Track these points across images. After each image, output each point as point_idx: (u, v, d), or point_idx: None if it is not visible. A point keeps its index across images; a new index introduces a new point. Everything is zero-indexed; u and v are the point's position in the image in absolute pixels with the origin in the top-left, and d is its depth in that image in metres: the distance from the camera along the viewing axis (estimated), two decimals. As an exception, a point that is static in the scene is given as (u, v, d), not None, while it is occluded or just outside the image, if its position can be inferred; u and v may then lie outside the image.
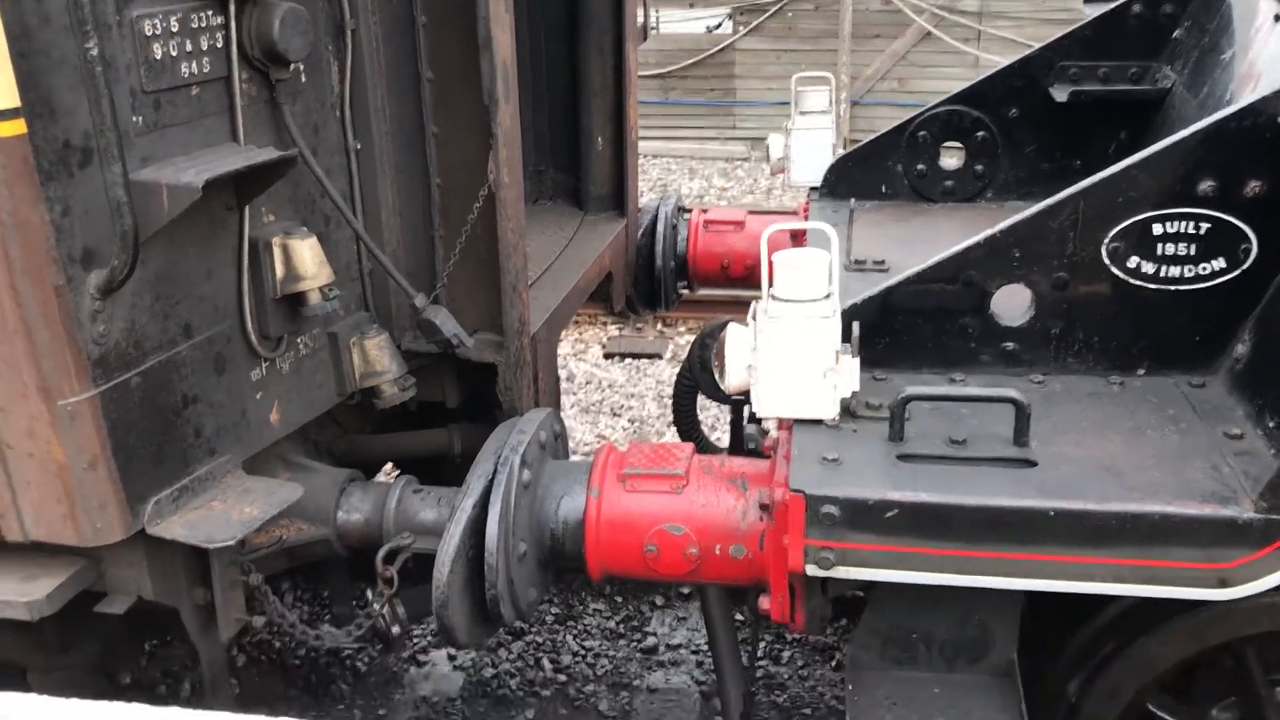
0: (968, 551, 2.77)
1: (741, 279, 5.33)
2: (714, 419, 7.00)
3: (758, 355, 3.02)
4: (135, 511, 2.84)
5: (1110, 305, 3.22)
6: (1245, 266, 3.08)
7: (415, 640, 5.34)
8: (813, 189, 5.20)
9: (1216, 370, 3.24)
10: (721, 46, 15.63)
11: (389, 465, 4.98)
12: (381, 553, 3.28)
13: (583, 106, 4.97)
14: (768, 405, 3.06)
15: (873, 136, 5.15)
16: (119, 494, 2.79)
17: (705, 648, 5.28)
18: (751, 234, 5.31)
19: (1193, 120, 4.12)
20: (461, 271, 3.60)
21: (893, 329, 3.35)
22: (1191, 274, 3.15)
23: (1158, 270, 3.16)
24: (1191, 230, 3.11)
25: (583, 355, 8.48)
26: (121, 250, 2.60)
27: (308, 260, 3.11)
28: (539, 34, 4.95)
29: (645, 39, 5.70)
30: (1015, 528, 2.73)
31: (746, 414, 3.68)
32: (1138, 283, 3.18)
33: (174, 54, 2.80)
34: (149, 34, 2.72)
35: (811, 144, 5.18)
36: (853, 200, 4.84)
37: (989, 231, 3.23)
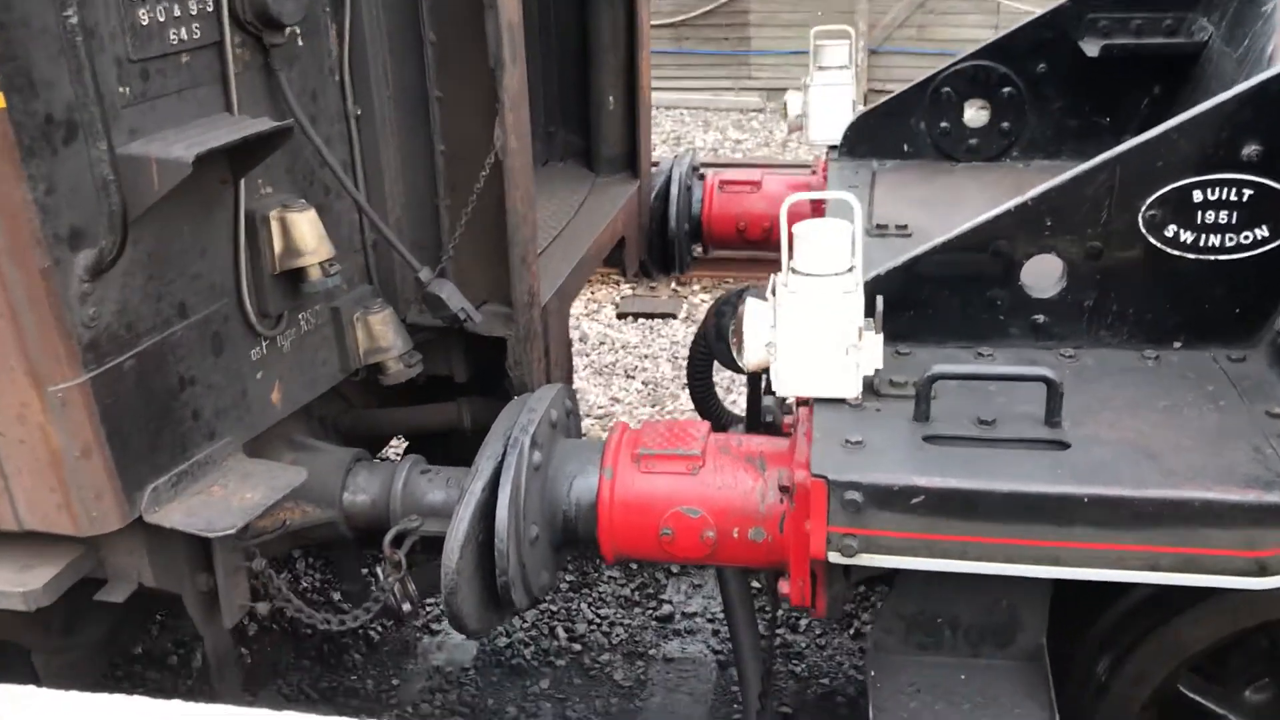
0: (997, 539, 2.65)
1: (758, 242, 5.19)
2: (729, 380, 6.88)
3: (777, 332, 2.89)
4: (132, 499, 2.74)
5: (1146, 276, 3.08)
6: (1290, 235, 2.94)
7: (428, 610, 5.27)
8: (831, 147, 5.04)
9: (1257, 344, 3.09)
10: (736, -7, 15.34)
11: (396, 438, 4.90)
12: (389, 536, 3.19)
13: (593, 64, 4.80)
14: (788, 384, 2.93)
15: (894, 93, 4.98)
16: (114, 482, 2.69)
17: (721, 616, 5.21)
18: (768, 194, 5.16)
19: (1231, 76, 3.97)
20: (468, 242, 3.47)
21: (917, 301, 3.22)
22: (1233, 243, 3.00)
23: (1197, 239, 3.01)
24: (1234, 197, 2.95)
25: (595, 315, 8.34)
26: (110, 230, 2.48)
27: (307, 234, 2.98)
28: (547, -12, 4.79)
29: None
30: (1047, 514, 2.61)
31: (764, 384, 3.57)
32: (1176, 252, 3.03)
33: (161, 19, 2.66)
34: None
35: (830, 101, 5.01)
36: (874, 161, 4.68)
37: (1019, 199, 3.08)
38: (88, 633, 3.50)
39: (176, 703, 2.79)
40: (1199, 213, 2.98)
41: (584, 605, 5.45)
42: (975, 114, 4.83)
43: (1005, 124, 4.80)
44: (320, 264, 3.01)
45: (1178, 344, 3.15)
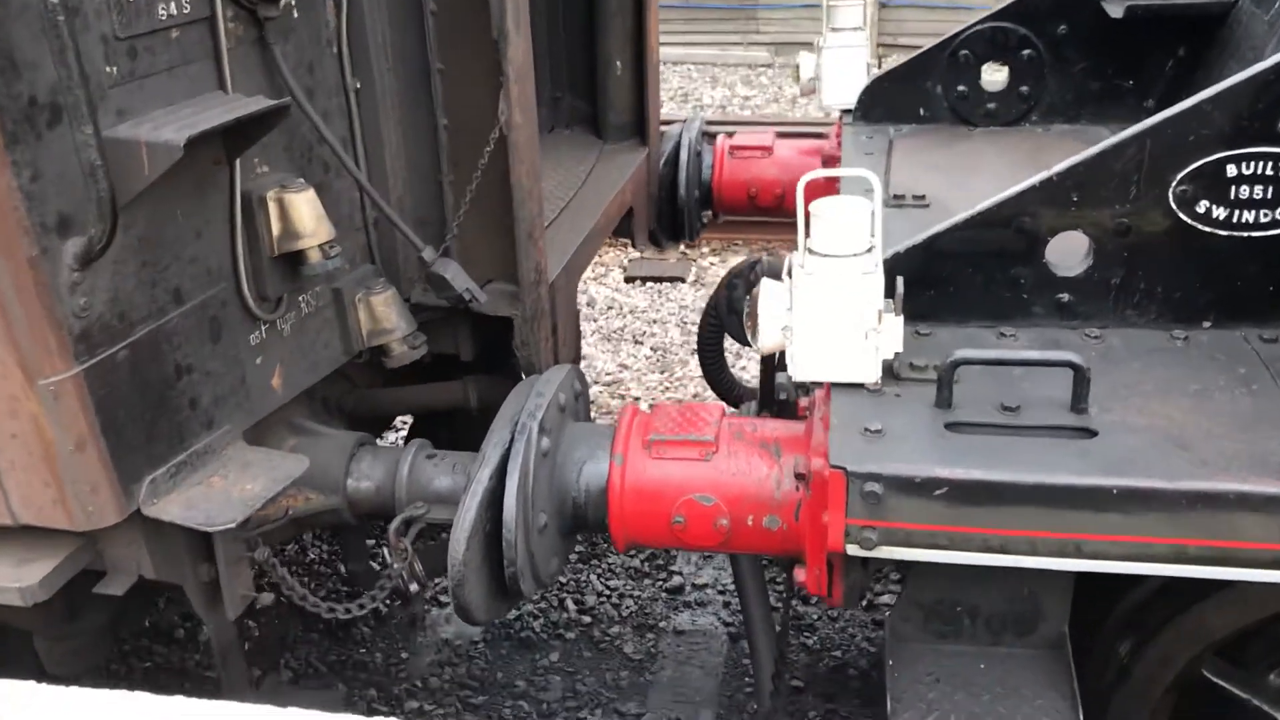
0: (1022, 531, 2.56)
1: (770, 208, 5.06)
2: (739, 345, 6.78)
3: (793, 315, 2.79)
4: (129, 492, 2.66)
5: (1176, 253, 2.97)
6: (1328, 211, 2.83)
7: (436, 583, 5.23)
8: (845, 111, 4.90)
9: (1290, 323, 2.99)
10: (744, -56, 15.07)
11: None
12: (395, 524, 3.11)
13: (600, 28, 4.66)
14: (805, 369, 2.83)
15: (905, 47, 4.83)
16: (110, 475, 2.61)
17: (732, 587, 5.15)
18: (780, 160, 5.03)
19: (1262, 38, 3.82)
20: (472, 219, 3.36)
21: (937, 279, 3.10)
22: (1267, 219, 2.89)
23: (1230, 215, 2.90)
24: (1270, 171, 2.83)
25: (603, 279, 8.24)
26: (99, 217, 2.38)
27: (305, 216, 2.87)
28: (552, -51, 4.64)
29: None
30: (1075, 506, 2.52)
31: (777, 359, 3.48)
32: (1207, 229, 2.92)
33: None
34: None
35: (844, 64, 4.86)
36: (890, 127, 4.55)
37: (1044, 174, 2.96)
38: (90, 618, 3.44)
39: (179, 699, 2.74)
40: (1232, 188, 2.87)
41: (593, 577, 5.40)
42: (994, 77, 4.68)
43: (1024, 87, 4.66)
44: (320, 246, 2.91)
45: (1207, 323, 3.04)
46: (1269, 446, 2.56)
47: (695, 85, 14.06)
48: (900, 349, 2.84)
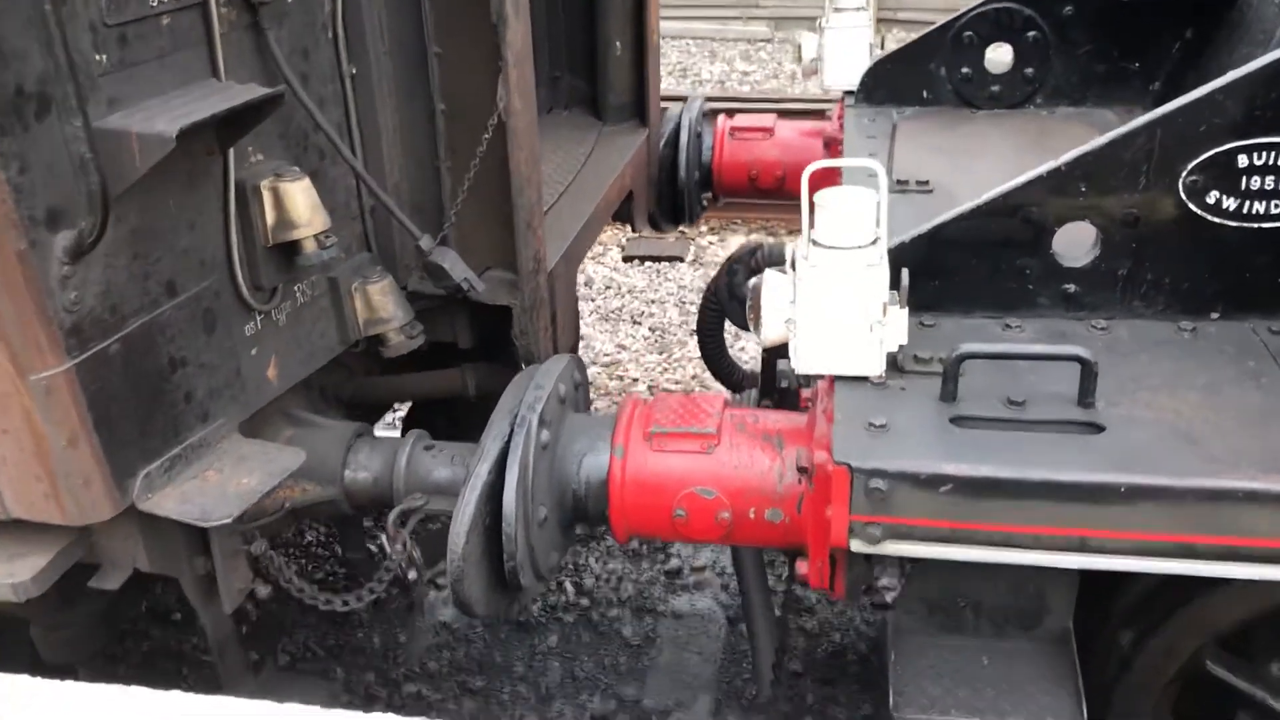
0: (1029, 527, 2.53)
1: (771, 191, 5.01)
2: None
3: (796, 308, 2.75)
4: (123, 487, 2.63)
5: (1185, 244, 2.92)
6: (1339, 203, 2.78)
7: (436, 570, 5.21)
8: (847, 93, 4.84)
9: (1299, 314, 2.96)
10: (743, -83, 14.91)
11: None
12: (393, 516, 3.08)
13: (599, 7, 4.58)
14: (808, 362, 2.80)
15: (906, 21, 4.77)
16: (104, 470, 2.57)
17: (731, 570, 5.14)
18: (781, 142, 4.97)
19: (1272, 21, 3.76)
20: (470, 206, 3.31)
21: (942, 269, 3.06)
22: (1278, 210, 2.85)
23: (1240, 206, 2.86)
24: (1280, 162, 2.79)
25: (601, 259, 8.18)
26: (89, 210, 2.33)
27: (300, 205, 2.82)
28: (550, -72, 4.56)
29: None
30: (1082, 503, 2.49)
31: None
32: (1217, 220, 2.88)
33: None
34: None
35: (847, 45, 4.79)
36: (892, 109, 4.49)
37: (1052, 164, 2.91)
38: (85, 607, 3.42)
39: (176, 694, 2.71)
40: (1243, 178, 2.82)
41: (592, 559, 5.38)
42: (998, 59, 4.62)
43: (1029, 69, 4.59)
44: (315, 236, 2.86)
45: (1215, 314, 3.00)
46: (1278, 442, 2.53)
47: (694, 60, 13.94)
48: (905, 342, 2.81)
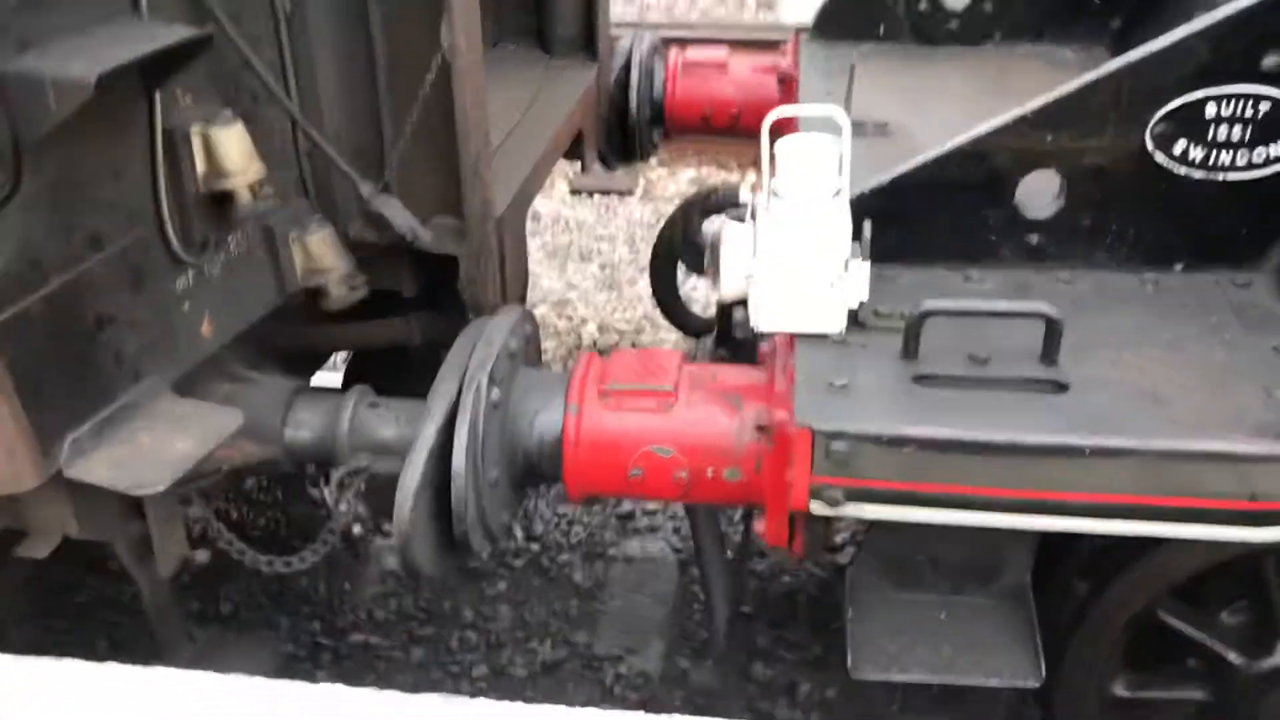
0: (992, 490, 2.49)
1: (724, 129, 4.87)
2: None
3: (757, 263, 2.66)
4: (49, 453, 2.48)
5: (1150, 195, 2.87)
6: (1306, 153, 2.74)
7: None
8: (801, 29, 4.70)
9: (1262, 267, 2.92)
10: None
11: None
12: (335, 478, 2.97)
13: (546, -68, 4.39)
14: (768, 319, 2.72)
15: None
16: (27, 436, 2.43)
17: (683, 514, 5.10)
18: (736, 79, 4.81)
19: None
20: (414, 150, 3.15)
21: (902, 220, 2.97)
22: (1244, 161, 2.80)
23: (1207, 156, 2.81)
24: (1249, 112, 2.74)
25: (547, 192, 7.97)
26: (1, 163, 2.17)
27: (233, 153, 2.66)
28: None
29: None
30: (1046, 465, 2.46)
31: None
32: (1184, 170, 2.82)
33: None
34: None
35: (803, -23, 4.65)
36: (849, 45, 4.37)
37: (1017, 111, 2.84)
38: (13, 571, 3.29)
39: (111, 665, 2.62)
40: (1211, 128, 2.77)
41: (541, 503, 5.31)
42: (956, -7, 4.50)
43: (988, 6, 4.48)
44: (250, 185, 2.71)
45: (1179, 266, 2.96)
46: (1243, 403, 2.51)
47: (640, -16, 13.62)
48: (866, 297, 2.73)
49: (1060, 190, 2.92)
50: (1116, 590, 3.00)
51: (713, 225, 3.04)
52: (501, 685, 4.36)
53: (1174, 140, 2.79)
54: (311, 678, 4.44)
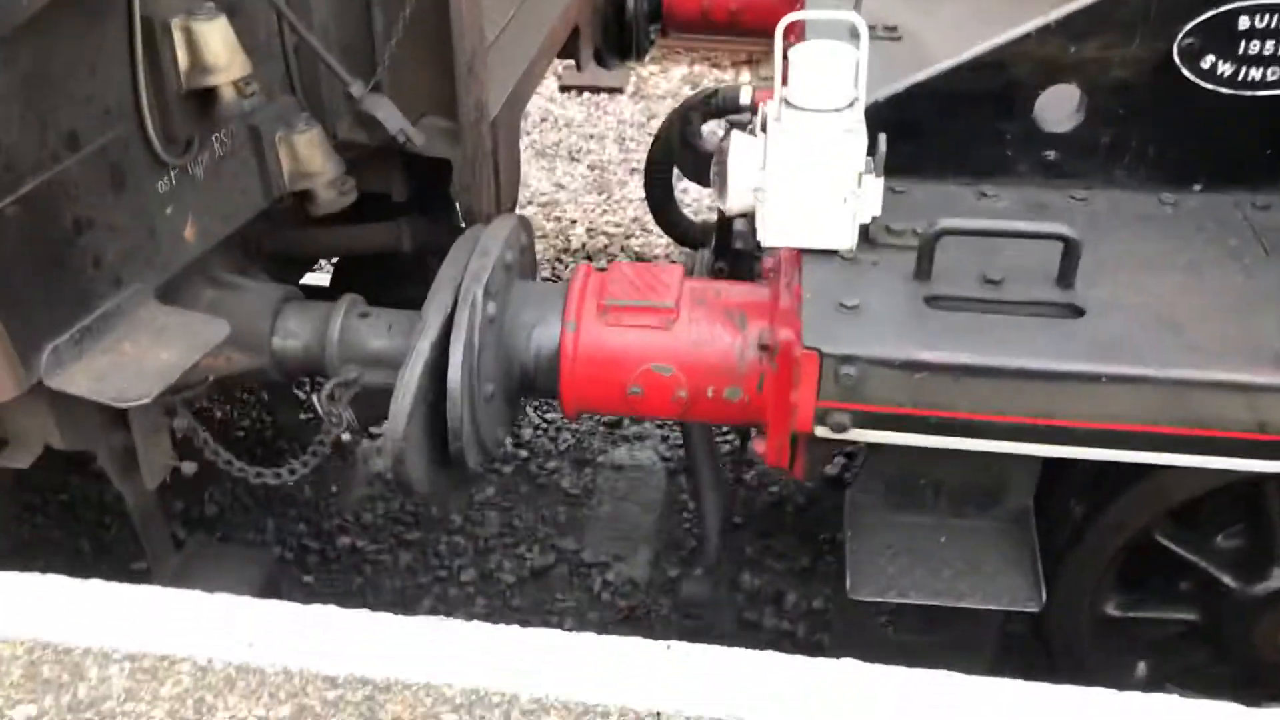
0: (1003, 416, 2.43)
1: (725, 26, 4.69)
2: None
3: (767, 175, 2.55)
4: (29, 363, 2.39)
5: (1174, 111, 2.76)
6: (1340, 67, 2.64)
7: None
8: (807, -78, 4.49)
9: (1282, 189, 2.83)
10: None
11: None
12: (326, 390, 2.88)
13: None
14: (776, 234, 2.62)
15: None
16: (5, 346, 2.33)
17: (671, 423, 5.05)
18: (736, -28, 4.63)
19: None
20: (406, 47, 3.00)
21: (916, 132, 2.86)
22: (1275, 77, 2.69)
23: (1236, 72, 2.69)
24: (1283, 26, 2.62)
25: (537, 89, 7.78)
26: (-30, 56, 2.03)
27: (217, 48, 2.52)
28: None
29: None
30: (1059, 392, 2.39)
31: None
32: (1210, 86, 2.71)
33: None
34: None
35: None
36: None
37: (1039, 21, 2.71)
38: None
39: (96, 582, 2.55)
40: (1242, 42, 2.65)
41: (530, 409, 5.25)
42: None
43: (1003, -100, 4.29)
44: (234, 82, 2.57)
45: (1198, 187, 2.87)
46: (1262, 332, 2.44)
47: None
48: (879, 213, 2.63)
49: (1080, 104, 2.81)
50: (1114, 512, 2.96)
51: (715, 132, 2.91)
52: (489, 590, 4.35)
53: (1202, 54, 2.67)
54: (298, 581, 4.43)
